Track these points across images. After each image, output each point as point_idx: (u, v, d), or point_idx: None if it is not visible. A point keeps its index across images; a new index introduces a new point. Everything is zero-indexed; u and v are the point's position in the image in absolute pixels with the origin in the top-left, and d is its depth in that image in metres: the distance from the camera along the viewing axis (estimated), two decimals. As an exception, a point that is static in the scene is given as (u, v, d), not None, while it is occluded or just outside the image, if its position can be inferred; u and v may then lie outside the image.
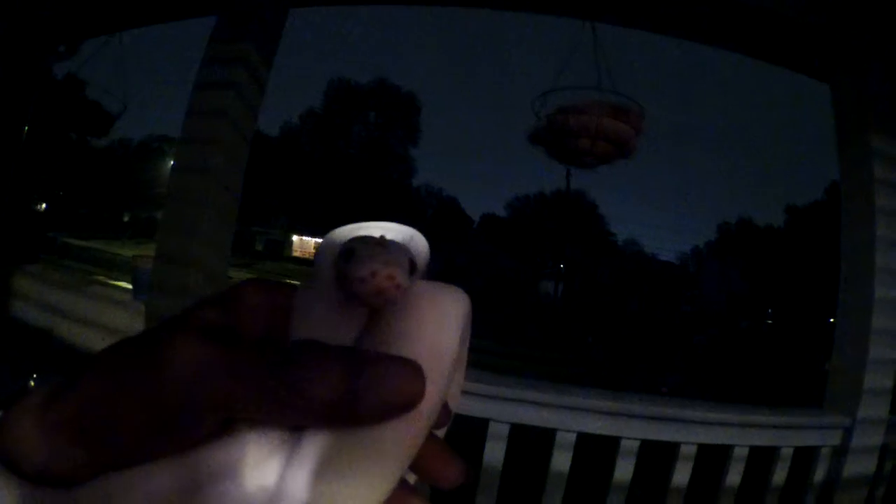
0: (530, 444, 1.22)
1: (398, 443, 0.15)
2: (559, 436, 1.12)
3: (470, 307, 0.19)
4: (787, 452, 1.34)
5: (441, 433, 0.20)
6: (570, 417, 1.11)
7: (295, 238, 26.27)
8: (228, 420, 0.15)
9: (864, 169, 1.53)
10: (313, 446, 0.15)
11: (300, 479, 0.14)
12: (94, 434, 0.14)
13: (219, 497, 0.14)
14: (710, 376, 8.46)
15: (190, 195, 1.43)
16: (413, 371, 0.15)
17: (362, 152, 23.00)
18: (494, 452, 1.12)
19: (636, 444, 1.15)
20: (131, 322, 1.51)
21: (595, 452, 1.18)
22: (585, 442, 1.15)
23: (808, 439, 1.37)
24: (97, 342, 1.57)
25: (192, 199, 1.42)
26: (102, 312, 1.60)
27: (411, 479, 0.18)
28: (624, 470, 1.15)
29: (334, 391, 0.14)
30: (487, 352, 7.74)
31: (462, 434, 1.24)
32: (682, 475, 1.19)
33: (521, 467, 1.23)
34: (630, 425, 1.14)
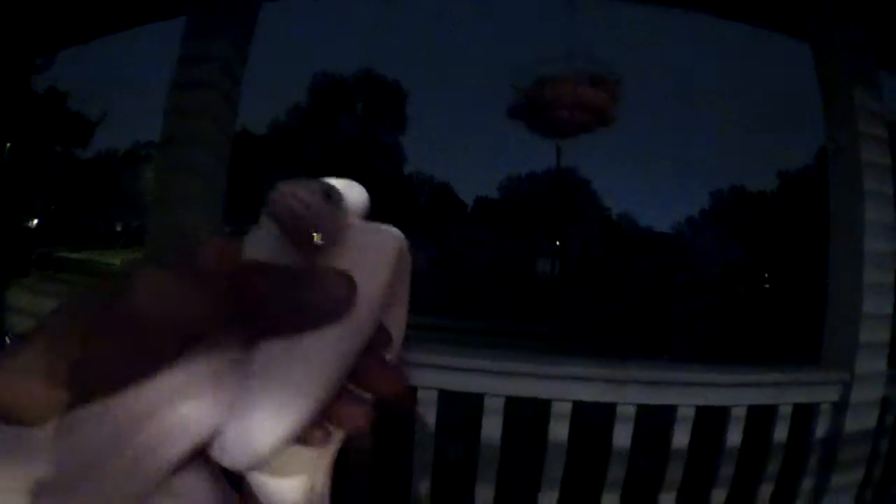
0: (529, 417, 1.22)
1: (335, 347, 0.17)
2: (555, 406, 1.12)
3: (403, 243, 0.21)
4: (785, 410, 1.35)
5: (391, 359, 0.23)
6: (564, 387, 1.11)
7: None
8: (186, 343, 0.16)
9: (850, 125, 1.52)
10: (261, 353, 0.17)
11: (248, 392, 0.16)
12: (64, 371, 0.15)
13: (178, 417, 0.16)
14: (711, 342, 8.55)
15: (175, 195, 1.42)
16: (344, 279, 0.17)
17: (351, 145, 22.99)
18: (491, 427, 1.12)
19: (633, 409, 1.15)
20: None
21: (594, 421, 1.18)
22: (585, 411, 1.15)
23: (807, 396, 1.37)
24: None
25: (177, 200, 1.41)
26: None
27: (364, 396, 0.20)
28: (623, 436, 1.15)
29: (278, 300, 0.16)
30: (491, 333, 7.72)
31: (459, 411, 1.24)
32: (681, 438, 1.19)
33: (522, 441, 1.23)
34: (625, 391, 1.13)
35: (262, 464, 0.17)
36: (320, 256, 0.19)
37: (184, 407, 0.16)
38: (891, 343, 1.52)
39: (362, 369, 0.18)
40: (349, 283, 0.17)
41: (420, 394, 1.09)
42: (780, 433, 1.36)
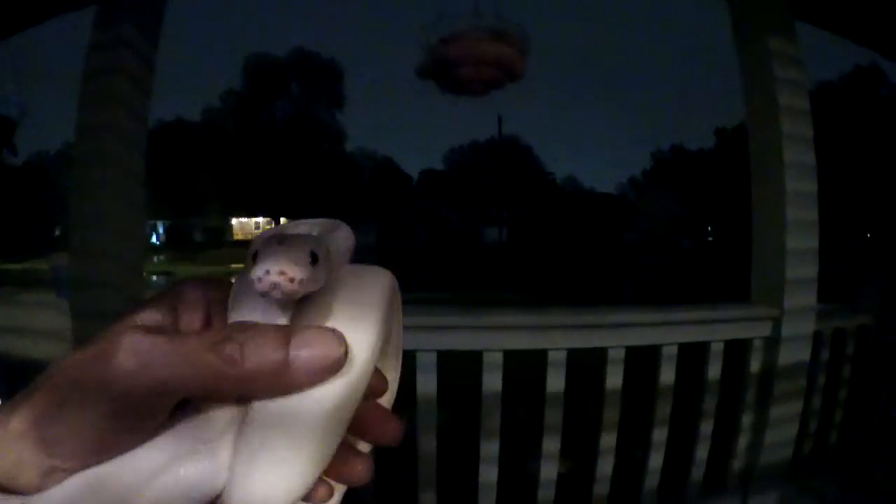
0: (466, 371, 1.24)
1: (333, 404, 0.16)
2: (486, 356, 1.14)
3: (394, 284, 0.21)
4: (717, 347, 1.39)
5: (387, 403, 0.22)
6: (494, 337, 1.13)
7: (234, 221, 25.98)
8: (178, 405, 0.16)
9: (765, 69, 1.57)
10: (259, 416, 0.16)
11: (250, 450, 0.16)
12: (55, 438, 0.15)
13: (176, 481, 0.16)
14: (660, 295, 8.84)
15: (91, 186, 1.39)
16: (334, 337, 0.17)
17: (289, 126, 22.68)
18: (426, 383, 1.13)
19: (562, 354, 1.17)
20: (58, 321, 1.47)
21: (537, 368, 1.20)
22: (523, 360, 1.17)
23: (738, 332, 1.43)
24: (29, 347, 1.52)
25: (95, 191, 1.38)
26: (30, 318, 1.55)
27: (364, 448, 0.20)
28: (555, 381, 1.18)
29: (268, 360, 0.16)
30: (443, 303, 7.76)
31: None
32: (614, 379, 1.23)
33: (460, 394, 1.25)
34: (555, 337, 1.16)
35: None
36: (309, 308, 0.18)
37: (182, 470, 0.16)
38: (820, 279, 1.59)
39: (361, 419, 0.18)
40: (340, 341, 0.17)
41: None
42: (715, 370, 1.41)
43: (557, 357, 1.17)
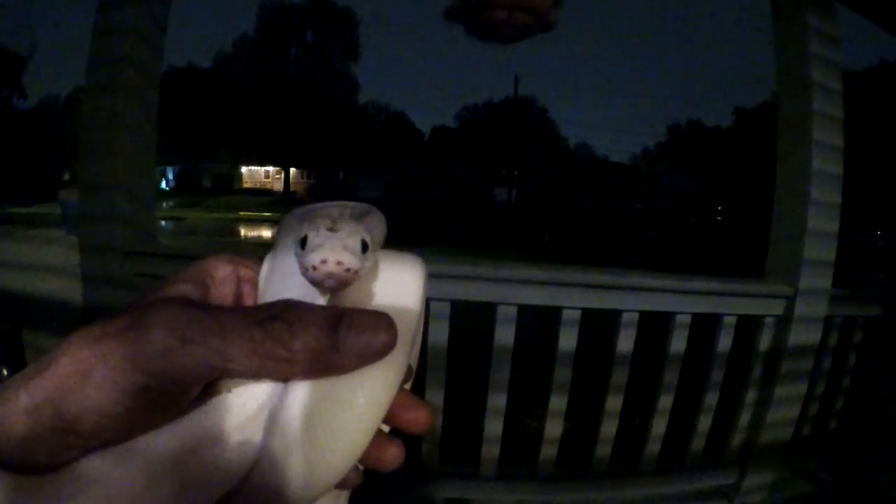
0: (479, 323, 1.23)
1: (375, 391, 0.16)
2: (500, 310, 1.13)
3: (426, 271, 0.20)
4: (729, 321, 1.38)
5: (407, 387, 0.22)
6: (509, 290, 1.12)
7: (244, 169, 26.00)
8: (212, 383, 0.15)
9: (800, 44, 1.52)
10: (298, 400, 0.16)
11: (289, 434, 0.15)
12: (74, 414, 0.14)
13: (211, 461, 0.15)
14: (664, 268, 8.94)
15: (105, 117, 1.36)
16: (386, 321, 0.16)
17: (302, 74, 22.44)
18: (439, 332, 1.12)
19: (577, 313, 1.16)
20: (67, 256, 1.46)
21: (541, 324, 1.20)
22: (531, 315, 1.16)
23: (751, 308, 1.41)
24: (37, 283, 1.52)
25: (108, 121, 1.35)
26: (37, 253, 1.54)
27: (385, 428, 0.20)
28: (568, 339, 1.17)
29: (317, 341, 0.15)
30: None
31: None
32: (626, 343, 1.22)
33: (471, 346, 1.25)
34: (570, 295, 1.15)
35: None
36: (349, 293, 0.18)
37: (209, 453, 0.15)
38: (837, 263, 1.57)
39: (394, 405, 0.18)
40: (390, 325, 0.16)
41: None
42: (725, 343, 1.40)
43: (571, 316, 1.16)
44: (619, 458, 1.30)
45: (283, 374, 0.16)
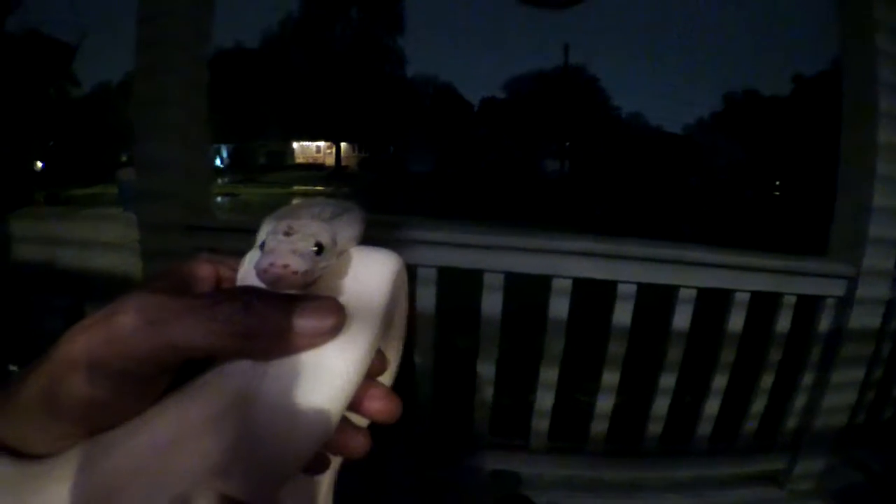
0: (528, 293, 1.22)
1: (335, 374, 0.17)
2: (555, 282, 1.11)
3: (400, 268, 0.21)
4: (789, 300, 1.33)
5: (387, 382, 0.23)
6: (564, 263, 1.10)
7: (296, 145, 26.42)
8: (185, 367, 0.17)
9: (865, 10, 1.44)
10: (265, 387, 0.17)
11: (257, 419, 0.16)
12: (65, 404, 0.15)
13: (188, 448, 0.16)
14: (719, 244, 8.63)
15: (158, 95, 1.39)
16: (335, 305, 0.17)
17: (349, 50, 22.60)
18: (491, 303, 1.12)
19: (633, 287, 1.14)
20: (125, 233, 1.51)
21: (595, 298, 1.18)
22: (585, 288, 1.14)
23: (811, 287, 1.36)
24: (96, 259, 1.58)
25: (161, 100, 1.39)
26: (97, 230, 1.60)
27: (362, 423, 0.21)
28: (623, 314, 1.15)
29: (271, 320, 0.16)
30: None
31: (460, 286, 1.24)
32: (682, 319, 1.19)
33: (523, 317, 1.24)
34: (626, 268, 1.12)
35: (273, 493, 0.16)
36: (316, 288, 0.19)
37: (192, 438, 0.16)
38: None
39: (362, 396, 0.19)
40: (338, 308, 0.17)
41: (420, 272, 1.09)
42: (784, 324, 1.35)
43: (627, 290, 1.14)
44: (669, 436, 1.28)
45: (244, 353, 0.17)
